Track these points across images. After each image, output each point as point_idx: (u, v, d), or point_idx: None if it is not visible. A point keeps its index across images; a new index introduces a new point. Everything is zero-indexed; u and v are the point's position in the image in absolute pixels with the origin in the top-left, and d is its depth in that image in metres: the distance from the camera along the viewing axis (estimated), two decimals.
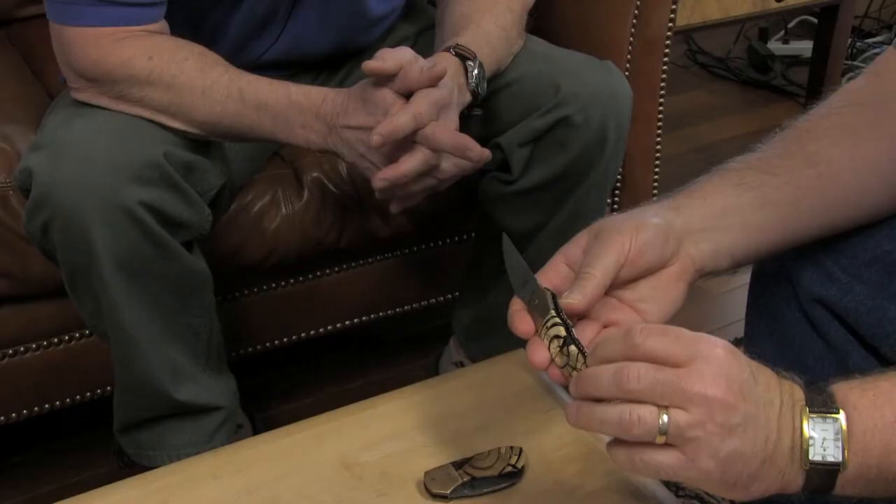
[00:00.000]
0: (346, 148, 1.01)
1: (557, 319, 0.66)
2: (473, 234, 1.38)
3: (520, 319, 0.69)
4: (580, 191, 1.16)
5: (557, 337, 0.66)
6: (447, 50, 1.04)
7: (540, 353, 0.66)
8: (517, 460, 0.76)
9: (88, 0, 0.97)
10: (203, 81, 0.99)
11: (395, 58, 0.98)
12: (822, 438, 0.58)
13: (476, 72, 1.04)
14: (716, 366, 0.58)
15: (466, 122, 1.06)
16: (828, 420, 0.58)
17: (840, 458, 0.57)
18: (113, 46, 0.99)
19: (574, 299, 0.66)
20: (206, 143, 1.06)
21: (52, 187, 0.95)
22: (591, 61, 1.15)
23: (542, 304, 0.67)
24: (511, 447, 0.76)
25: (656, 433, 0.57)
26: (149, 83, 0.99)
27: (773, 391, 0.59)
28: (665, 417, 0.57)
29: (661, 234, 0.70)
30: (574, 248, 0.71)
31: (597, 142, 1.12)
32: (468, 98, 1.05)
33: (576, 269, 0.70)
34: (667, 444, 0.58)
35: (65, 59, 1.02)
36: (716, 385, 0.57)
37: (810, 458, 0.58)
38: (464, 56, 1.04)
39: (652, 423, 0.57)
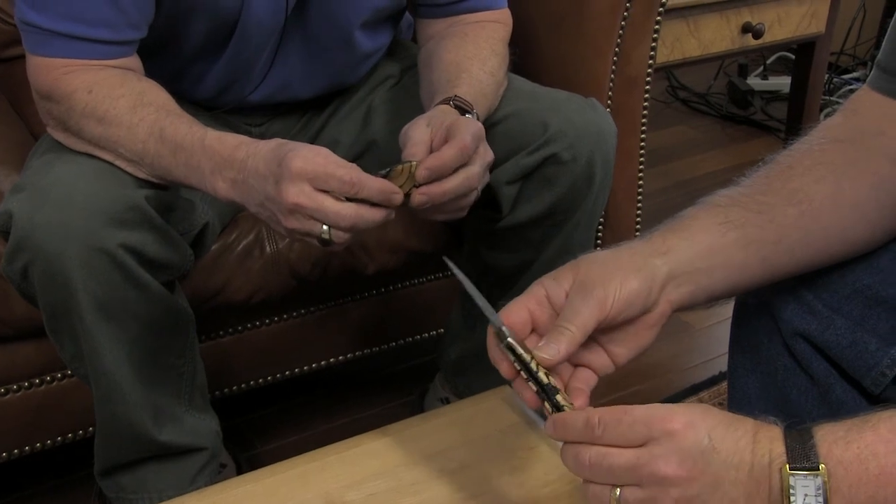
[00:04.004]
0: (249, 196, 0.95)
1: (524, 373, 0.67)
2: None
3: (500, 360, 0.69)
4: (568, 227, 1.16)
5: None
6: (447, 102, 1.04)
7: (528, 393, 0.68)
8: None
9: (48, 31, 0.98)
10: (130, 119, 0.98)
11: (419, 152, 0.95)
12: (804, 495, 0.58)
13: None
14: (667, 446, 0.60)
15: None
16: (808, 477, 0.58)
17: None
18: (62, 78, 0.99)
19: (548, 354, 0.67)
20: None
21: (31, 231, 0.94)
22: (576, 98, 1.16)
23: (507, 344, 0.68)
24: None
25: None
26: (84, 115, 0.99)
27: (742, 452, 0.60)
28: (617, 492, 0.61)
29: (646, 287, 0.70)
30: (557, 288, 0.71)
31: (584, 178, 1.12)
32: None
33: (556, 307, 0.70)
34: None
35: (31, 86, 1.03)
36: (667, 465, 0.59)
37: None
38: (463, 109, 1.04)
39: (604, 499, 0.62)
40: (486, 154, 0.98)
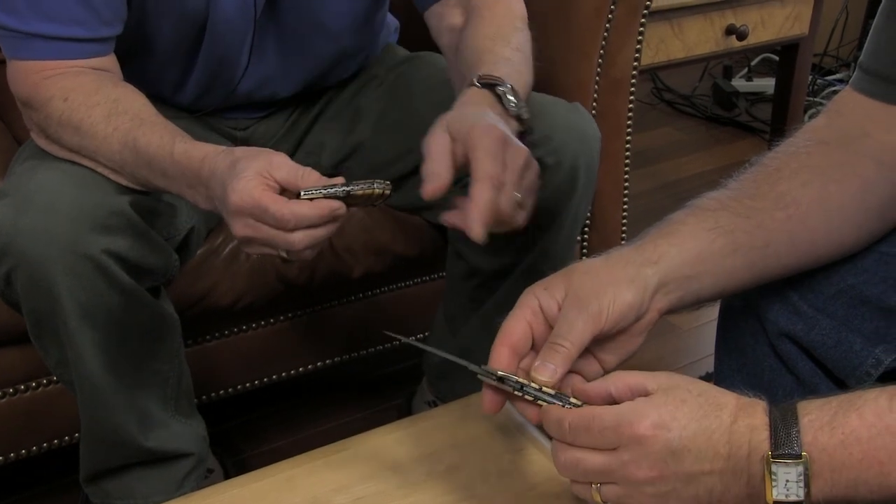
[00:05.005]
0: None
1: (530, 396, 0.68)
2: (444, 274, 1.38)
3: (484, 392, 0.71)
4: (551, 231, 1.16)
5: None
6: (471, 85, 0.95)
7: (531, 410, 0.69)
8: None
9: (22, 32, 0.97)
10: (105, 129, 0.97)
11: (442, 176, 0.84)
12: (786, 480, 0.59)
13: (511, 97, 0.94)
14: (636, 451, 0.61)
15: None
16: (790, 465, 0.59)
17: (803, 497, 0.59)
18: (40, 83, 0.99)
19: (545, 376, 0.68)
20: None
21: (15, 237, 0.94)
22: (561, 103, 1.15)
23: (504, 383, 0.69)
24: None
25: (594, 499, 0.64)
26: (60, 124, 0.98)
27: (717, 445, 0.60)
28: (598, 485, 0.63)
29: (639, 299, 0.70)
30: (550, 299, 0.71)
31: (568, 183, 1.12)
32: (515, 124, 0.94)
33: (549, 318, 0.70)
34: None
35: (12, 92, 1.03)
36: (638, 469, 0.61)
37: (774, 497, 0.59)
38: (491, 84, 0.94)
39: (587, 495, 0.64)
40: (514, 161, 0.84)
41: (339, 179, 0.89)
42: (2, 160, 1.18)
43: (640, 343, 0.73)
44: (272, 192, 0.86)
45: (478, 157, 0.82)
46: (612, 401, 0.64)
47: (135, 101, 1.00)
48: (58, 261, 0.94)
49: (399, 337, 0.75)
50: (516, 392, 0.68)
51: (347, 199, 0.88)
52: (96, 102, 0.98)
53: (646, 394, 0.63)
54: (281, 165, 0.87)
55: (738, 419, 0.61)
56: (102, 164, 0.99)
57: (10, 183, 1.00)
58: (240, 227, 0.87)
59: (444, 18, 1.16)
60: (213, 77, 1.17)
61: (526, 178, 0.86)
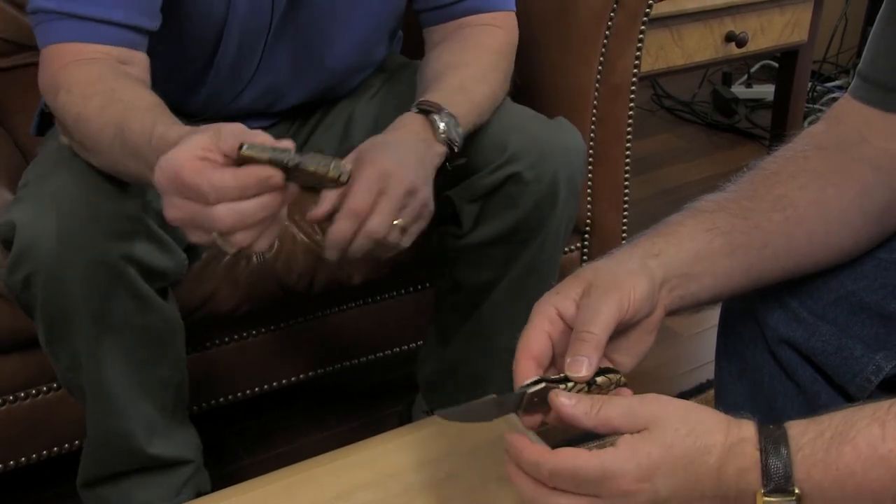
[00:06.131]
0: None
1: (570, 383, 0.67)
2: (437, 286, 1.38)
3: (526, 417, 0.69)
4: (534, 245, 1.15)
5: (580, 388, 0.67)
6: (409, 111, 1.01)
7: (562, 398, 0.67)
8: None
9: (55, 12, 0.95)
10: (98, 121, 0.90)
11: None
12: None
13: (443, 125, 1.00)
14: (620, 502, 0.61)
15: (449, 173, 1.04)
16: (783, 502, 0.59)
17: None
18: (58, 73, 0.95)
19: (581, 371, 0.66)
20: None
21: (35, 241, 0.94)
22: (540, 118, 1.15)
23: (540, 395, 0.67)
24: None
25: None
26: (63, 116, 0.95)
27: (704, 489, 0.61)
28: None
29: (651, 289, 0.70)
30: (566, 301, 0.70)
31: (548, 197, 1.12)
32: (442, 149, 1.00)
33: (569, 321, 0.70)
34: None
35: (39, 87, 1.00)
36: None
37: None
38: (427, 111, 1.00)
39: None
40: (395, 189, 0.90)
41: (289, 143, 0.75)
42: (4, 166, 1.18)
43: (651, 342, 0.72)
44: (202, 163, 0.73)
45: (351, 191, 0.88)
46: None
47: (133, 90, 0.91)
48: (76, 266, 0.94)
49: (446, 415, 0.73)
50: (560, 386, 0.67)
51: (293, 171, 0.74)
52: (93, 93, 0.91)
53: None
54: (228, 136, 0.74)
55: (727, 463, 0.60)
56: (103, 158, 0.93)
57: (29, 187, 1.00)
58: (167, 208, 0.76)
59: (437, 34, 1.19)
60: (223, 80, 1.16)
61: (409, 206, 0.92)
